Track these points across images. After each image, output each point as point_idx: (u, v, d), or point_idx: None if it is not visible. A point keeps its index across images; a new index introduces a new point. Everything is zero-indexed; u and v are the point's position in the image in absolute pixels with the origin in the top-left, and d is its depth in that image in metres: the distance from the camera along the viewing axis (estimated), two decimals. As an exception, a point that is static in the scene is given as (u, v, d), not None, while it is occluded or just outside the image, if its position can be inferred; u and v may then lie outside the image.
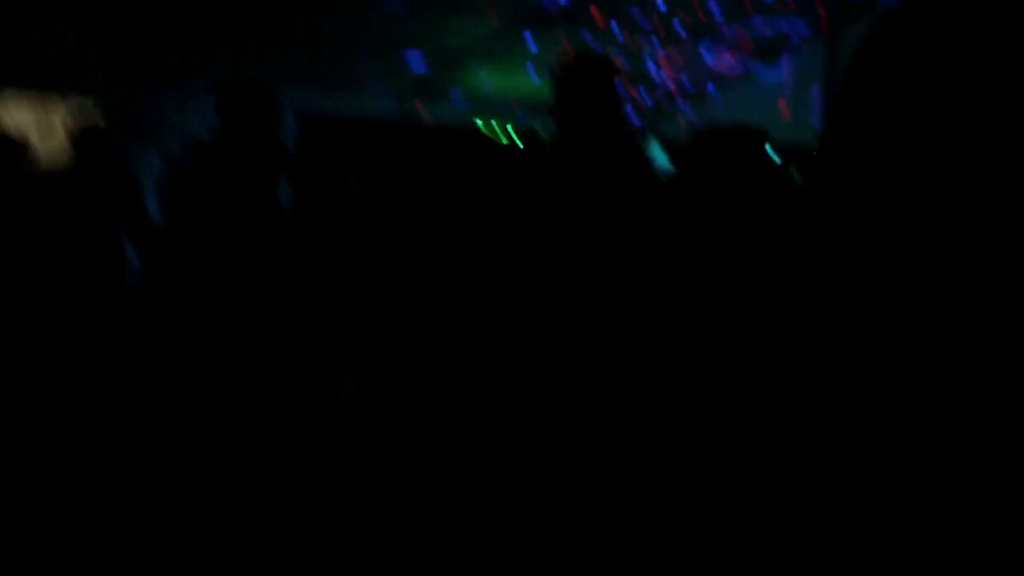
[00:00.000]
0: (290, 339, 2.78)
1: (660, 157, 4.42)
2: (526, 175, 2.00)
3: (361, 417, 2.16)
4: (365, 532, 2.11)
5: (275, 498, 2.71)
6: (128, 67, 6.80)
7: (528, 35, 6.91)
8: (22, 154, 3.77)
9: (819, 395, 0.74)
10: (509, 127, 8.58)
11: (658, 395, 1.86)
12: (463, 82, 8.25)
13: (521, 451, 1.87)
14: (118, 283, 3.68)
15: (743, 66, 7.85)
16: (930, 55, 0.67)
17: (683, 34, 7.20)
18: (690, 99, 8.78)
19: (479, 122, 7.41)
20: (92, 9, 5.70)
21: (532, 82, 8.00)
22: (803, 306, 0.78)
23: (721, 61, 7.77)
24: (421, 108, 8.50)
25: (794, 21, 7.06)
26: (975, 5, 0.66)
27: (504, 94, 8.55)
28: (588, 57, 2.02)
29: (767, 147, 2.28)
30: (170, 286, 2.62)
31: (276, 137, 2.65)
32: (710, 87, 8.47)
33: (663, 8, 6.65)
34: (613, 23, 6.74)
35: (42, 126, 6.75)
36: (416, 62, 7.67)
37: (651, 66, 7.92)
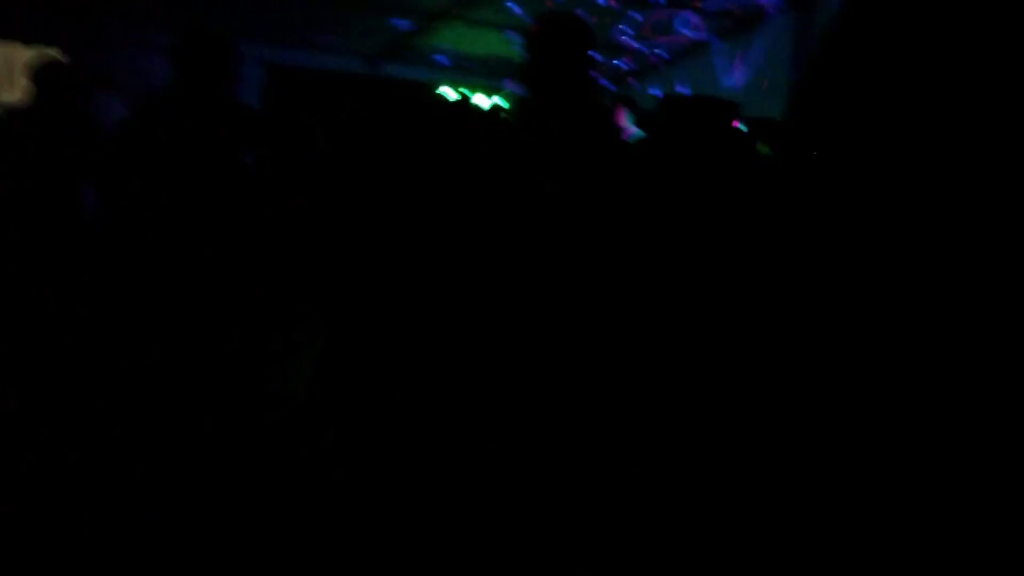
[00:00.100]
0: (246, 301, 2.75)
1: (630, 125, 4.41)
2: (493, 136, 1.99)
3: (326, 387, 2.14)
4: (330, 509, 2.11)
5: (233, 469, 2.69)
6: (97, 15, 6.61)
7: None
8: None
9: (784, 366, 0.75)
10: (477, 92, 8.51)
11: (638, 369, 1.86)
12: (436, 43, 8.15)
13: (495, 424, 1.87)
14: (74, 228, 3.60)
15: (713, 36, 7.85)
16: (895, 32, 0.67)
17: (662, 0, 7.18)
18: (662, 68, 8.76)
19: (445, 88, 7.32)
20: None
21: (505, 45, 7.92)
22: (774, 276, 0.78)
23: (693, 28, 7.75)
24: (391, 69, 8.40)
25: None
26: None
27: (478, 56, 8.46)
28: (564, 19, 1.97)
29: (736, 119, 2.29)
30: (124, 238, 2.58)
31: (229, 87, 2.60)
32: (683, 57, 8.46)
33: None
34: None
35: (4, 75, 6.56)
36: (389, 22, 7.55)
37: (628, 32, 7.88)
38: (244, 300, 2.73)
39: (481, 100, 8.66)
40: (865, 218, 0.68)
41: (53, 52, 6.08)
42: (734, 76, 7.73)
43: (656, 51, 8.41)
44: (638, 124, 4.36)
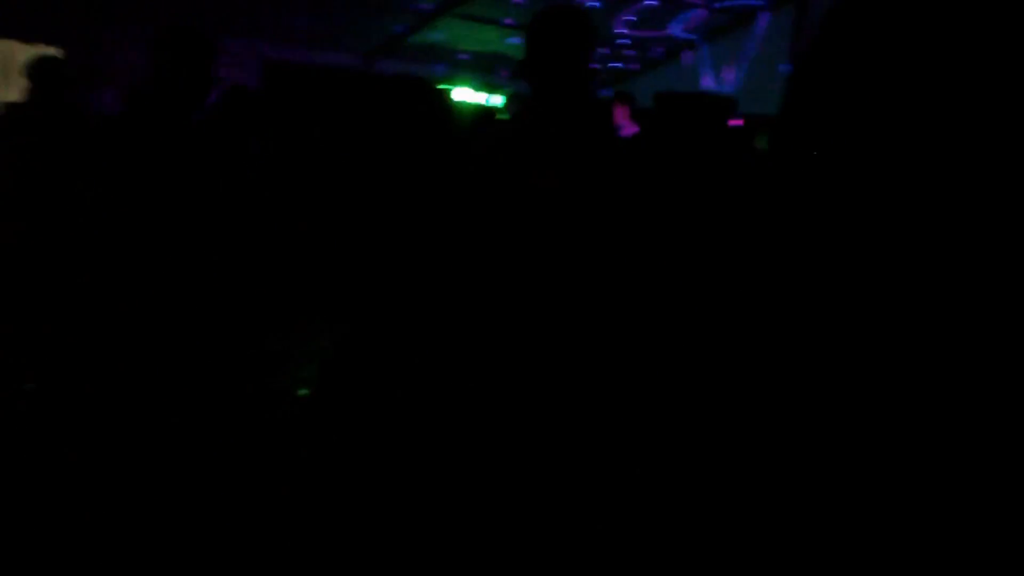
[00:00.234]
0: (246, 300, 2.75)
1: (628, 122, 4.42)
2: (488, 130, 1.99)
3: (336, 383, 2.13)
4: (332, 506, 2.11)
5: (236, 467, 2.69)
6: (95, 12, 6.60)
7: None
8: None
9: (774, 355, 0.77)
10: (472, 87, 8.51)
11: (638, 366, 1.86)
12: (432, 41, 8.14)
13: (497, 420, 1.87)
14: (72, 225, 3.60)
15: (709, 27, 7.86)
16: (889, 27, 0.69)
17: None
18: (658, 65, 8.76)
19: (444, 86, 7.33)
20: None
21: (503, 42, 7.92)
22: (771, 272, 0.79)
23: (690, 22, 7.75)
24: (387, 67, 8.39)
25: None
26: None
27: (474, 53, 8.45)
28: (567, 12, 1.93)
29: (732, 115, 2.30)
30: (123, 235, 2.58)
31: (202, 83, 2.60)
32: (682, 54, 8.46)
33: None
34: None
35: (3, 74, 6.55)
36: (386, 21, 7.55)
37: (623, 29, 7.88)
38: (243, 300, 2.74)
39: (480, 96, 8.67)
40: (860, 213, 0.67)
41: (53, 51, 6.08)
42: (721, 78, 7.76)
43: (655, 47, 8.42)
44: (635, 120, 4.37)
